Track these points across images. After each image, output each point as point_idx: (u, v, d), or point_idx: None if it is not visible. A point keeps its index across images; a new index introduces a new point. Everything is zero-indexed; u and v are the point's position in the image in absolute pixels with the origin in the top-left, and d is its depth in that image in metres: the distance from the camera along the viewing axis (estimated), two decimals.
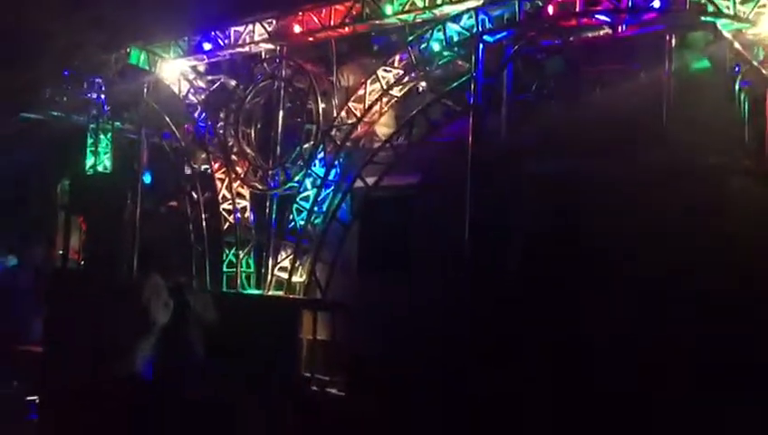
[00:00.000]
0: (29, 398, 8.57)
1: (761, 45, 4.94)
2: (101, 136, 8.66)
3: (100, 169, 8.64)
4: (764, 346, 4.34)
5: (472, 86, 5.50)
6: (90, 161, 8.68)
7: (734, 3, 4.85)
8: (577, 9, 5.10)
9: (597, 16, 5.10)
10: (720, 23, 4.86)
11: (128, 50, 7.73)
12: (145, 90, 7.75)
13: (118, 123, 8.67)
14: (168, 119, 7.59)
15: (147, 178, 7.93)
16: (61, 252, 8.66)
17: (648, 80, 5.13)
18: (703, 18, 4.88)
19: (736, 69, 4.95)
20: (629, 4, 4.92)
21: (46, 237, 10.27)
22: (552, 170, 5.25)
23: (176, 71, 7.55)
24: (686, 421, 4.45)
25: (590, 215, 5.00)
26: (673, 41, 4.92)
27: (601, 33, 5.33)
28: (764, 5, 4.87)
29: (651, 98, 5.03)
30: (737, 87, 5.00)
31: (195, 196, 7.28)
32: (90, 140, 8.71)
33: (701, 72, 5.19)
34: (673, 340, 4.61)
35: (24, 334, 10.22)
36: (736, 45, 4.92)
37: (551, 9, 5.20)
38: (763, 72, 4.88)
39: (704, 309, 4.49)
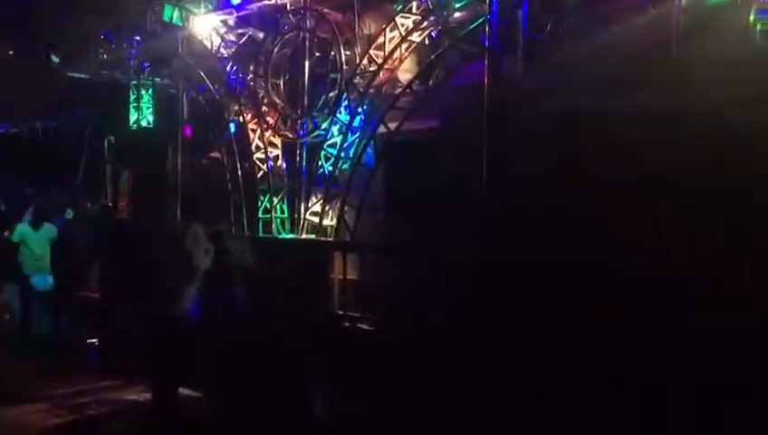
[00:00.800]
0: (89, 340, 9.18)
1: None
2: (143, 92, 9.05)
3: (143, 123, 9.04)
4: None
5: (487, 29, 5.61)
6: (133, 117, 9.09)
7: None
8: None
9: None
10: None
11: (162, 6, 8.02)
12: (179, 45, 8.06)
13: (158, 79, 9.06)
14: (201, 73, 7.88)
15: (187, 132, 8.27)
16: (110, 204, 9.14)
17: (662, 15, 5.17)
18: None
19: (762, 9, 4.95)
20: None
21: (98, 191, 10.81)
22: (568, 109, 5.36)
23: (207, 25, 7.82)
24: None
25: (604, 152, 5.11)
26: None
27: None
28: None
29: (666, 34, 5.09)
30: (752, 17, 5.01)
31: (231, 146, 7.60)
32: (132, 97, 9.12)
33: (719, 5, 5.19)
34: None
35: (83, 282, 10.90)
36: None
37: None
38: None
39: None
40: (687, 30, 5.04)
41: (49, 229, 11.40)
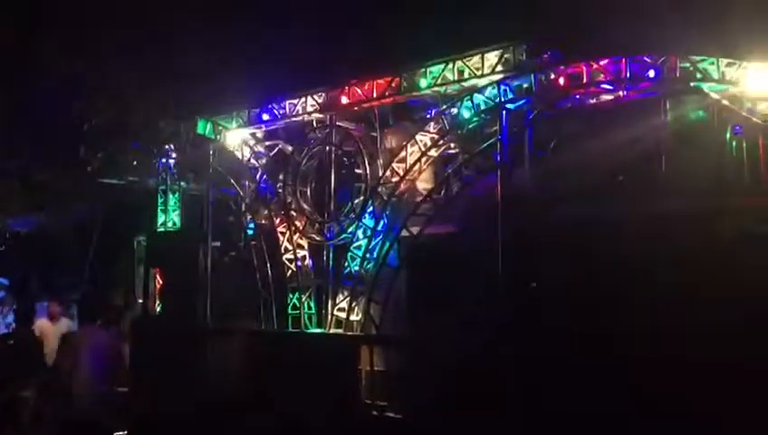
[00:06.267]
0: (118, 433, 9.53)
1: (746, 99, 5.78)
2: (170, 195, 9.75)
3: (169, 225, 9.70)
4: None
5: (498, 146, 6.43)
6: (161, 219, 9.75)
7: (718, 67, 5.72)
8: (584, 80, 6.01)
9: (601, 86, 6.02)
10: (707, 86, 5.74)
11: (195, 121, 8.83)
12: (211, 155, 8.83)
13: (184, 183, 9.77)
14: (232, 180, 8.62)
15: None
16: (141, 301, 9.68)
17: (649, 135, 6.00)
18: (692, 84, 5.76)
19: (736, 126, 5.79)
20: (628, 75, 5.83)
21: (125, 288, 11.33)
22: (570, 218, 6.12)
23: (238, 138, 8.61)
24: None
25: (601, 257, 5.82)
26: (668, 104, 5.81)
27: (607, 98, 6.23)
28: (746, 67, 5.72)
29: (653, 150, 5.92)
30: (728, 135, 5.85)
31: (260, 248, 8.26)
32: (160, 200, 9.79)
33: (698, 122, 6.03)
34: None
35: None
36: (724, 102, 5.78)
37: (562, 80, 6.12)
38: (753, 119, 5.73)
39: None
40: (675, 145, 5.86)
41: (66, 323, 11.86)
